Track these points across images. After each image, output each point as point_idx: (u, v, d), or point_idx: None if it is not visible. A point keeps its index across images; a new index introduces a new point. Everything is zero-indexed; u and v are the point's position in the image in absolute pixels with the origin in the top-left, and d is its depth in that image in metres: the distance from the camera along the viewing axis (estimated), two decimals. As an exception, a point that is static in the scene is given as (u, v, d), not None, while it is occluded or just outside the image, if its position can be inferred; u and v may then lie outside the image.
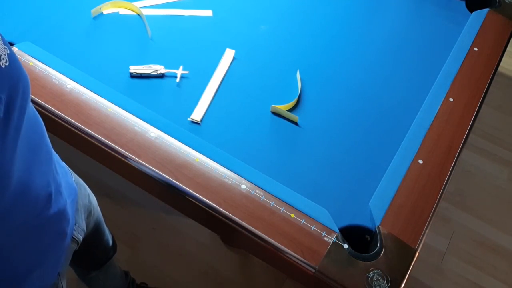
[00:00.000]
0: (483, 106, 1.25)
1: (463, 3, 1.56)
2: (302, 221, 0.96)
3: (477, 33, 1.42)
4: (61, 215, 0.84)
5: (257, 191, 1.00)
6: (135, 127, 1.07)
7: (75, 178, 1.03)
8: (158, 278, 1.66)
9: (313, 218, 0.97)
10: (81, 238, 0.98)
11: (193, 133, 1.10)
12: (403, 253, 0.94)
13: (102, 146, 1.04)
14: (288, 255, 0.92)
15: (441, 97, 1.24)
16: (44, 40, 1.25)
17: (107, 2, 1.37)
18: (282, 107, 1.19)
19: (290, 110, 1.20)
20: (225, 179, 1.01)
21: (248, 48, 1.34)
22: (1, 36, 0.65)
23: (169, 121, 1.10)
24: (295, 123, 1.18)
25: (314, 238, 0.94)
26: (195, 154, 1.04)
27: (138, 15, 1.38)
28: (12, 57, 0.65)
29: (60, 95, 1.10)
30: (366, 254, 0.92)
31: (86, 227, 1.07)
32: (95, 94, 1.11)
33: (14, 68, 0.65)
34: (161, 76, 1.23)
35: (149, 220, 1.80)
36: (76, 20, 1.34)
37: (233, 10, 1.45)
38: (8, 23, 1.28)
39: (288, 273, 1.00)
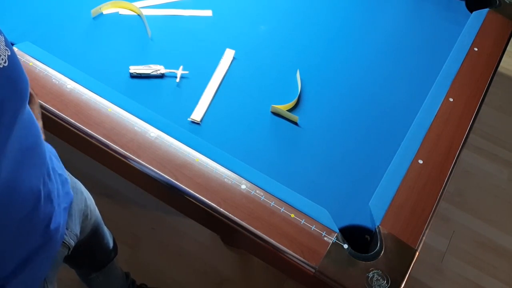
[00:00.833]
0: (483, 106, 1.25)
1: (463, 3, 1.56)
2: (302, 221, 0.96)
3: (477, 33, 1.42)
4: (49, 221, 0.82)
5: (257, 191, 1.00)
6: (135, 127, 1.07)
7: (73, 183, 1.02)
8: (158, 278, 1.66)
9: (313, 218, 0.97)
10: (73, 243, 0.97)
11: (193, 133, 1.10)
12: (403, 253, 0.94)
13: (102, 146, 1.04)
14: (288, 255, 0.92)
15: (441, 97, 1.24)
16: (44, 40, 1.25)
17: (107, 2, 1.37)
18: (282, 107, 1.19)
19: (290, 110, 1.20)
20: (225, 179, 1.01)
21: (248, 48, 1.34)
22: (4, 38, 0.66)
23: (169, 121, 1.10)
24: (295, 123, 1.18)
25: (314, 238, 0.94)
26: (195, 154, 1.04)
27: (138, 15, 1.38)
28: (13, 59, 0.65)
29: (60, 95, 1.10)
30: (366, 254, 0.92)
31: (83, 230, 1.06)
32: (95, 94, 1.11)
33: (13, 69, 0.65)
34: (161, 76, 1.23)
35: (149, 220, 1.80)
36: (76, 20, 1.34)
37: (233, 10, 1.45)
38: (8, 23, 1.28)
39: (288, 273, 1.00)
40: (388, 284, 0.88)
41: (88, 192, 1.15)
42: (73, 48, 1.27)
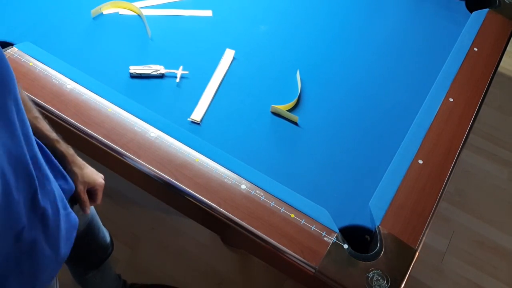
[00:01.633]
0: (483, 106, 1.25)
1: (463, 3, 1.56)
2: (302, 221, 0.96)
3: (477, 33, 1.42)
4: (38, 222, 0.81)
5: (257, 191, 1.00)
6: (135, 127, 1.07)
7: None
8: (158, 278, 1.66)
9: (313, 218, 0.97)
10: None
11: (193, 133, 1.10)
12: (403, 253, 0.94)
13: (102, 146, 1.04)
14: (288, 255, 0.92)
15: (441, 97, 1.24)
16: (44, 40, 1.25)
17: (107, 2, 1.37)
18: (282, 107, 1.19)
19: (290, 110, 1.20)
20: (225, 179, 1.01)
21: (248, 48, 1.34)
22: None
23: (169, 121, 1.10)
24: (295, 123, 1.18)
25: (314, 238, 0.94)
26: (195, 154, 1.04)
27: (138, 15, 1.38)
28: None
29: (60, 95, 1.10)
30: (366, 254, 0.92)
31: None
32: (95, 94, 1.11)
33: None
34: (161, 76, 1.23)
35: (149, 220, 1.80)
36: (76, 20, 1.34)
37: (233, 10, 1.45)
38: (8, 24, 1.28)
39: (288, 273, 1.00)
40: (388, 284, 0.88)
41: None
42: (73, 48, 1.27)
